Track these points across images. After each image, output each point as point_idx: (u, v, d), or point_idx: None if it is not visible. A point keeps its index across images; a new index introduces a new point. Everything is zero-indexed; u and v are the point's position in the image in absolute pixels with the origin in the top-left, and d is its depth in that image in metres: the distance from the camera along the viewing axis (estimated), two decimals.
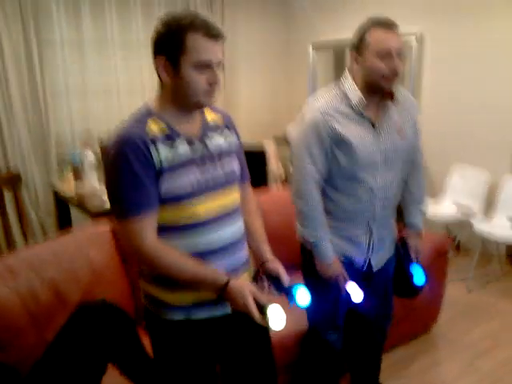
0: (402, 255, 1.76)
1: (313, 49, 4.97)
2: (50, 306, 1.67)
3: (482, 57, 3.50)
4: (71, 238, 2.02)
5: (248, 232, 1.35)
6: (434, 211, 3.39)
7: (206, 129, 1.24)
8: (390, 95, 1.53)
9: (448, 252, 2.55)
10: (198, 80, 1.09)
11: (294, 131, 1.64)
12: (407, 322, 2.28)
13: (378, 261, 1.70)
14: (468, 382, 2.23)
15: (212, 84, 1.11)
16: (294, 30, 5.23)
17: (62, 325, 1.38)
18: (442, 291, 2.57)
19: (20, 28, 3.63)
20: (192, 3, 4.50)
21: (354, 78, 1.53)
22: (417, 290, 1.72)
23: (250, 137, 2.26)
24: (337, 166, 1.54)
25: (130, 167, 1.07)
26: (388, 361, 2.12)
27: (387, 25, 1.43)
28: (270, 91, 5.30)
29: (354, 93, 1.51)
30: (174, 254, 1.15)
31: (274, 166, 4.53)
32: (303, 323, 1.80)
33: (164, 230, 1.16)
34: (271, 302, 1.12)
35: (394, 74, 1.45)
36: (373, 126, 1.54)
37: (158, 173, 1.11)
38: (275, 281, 1.26)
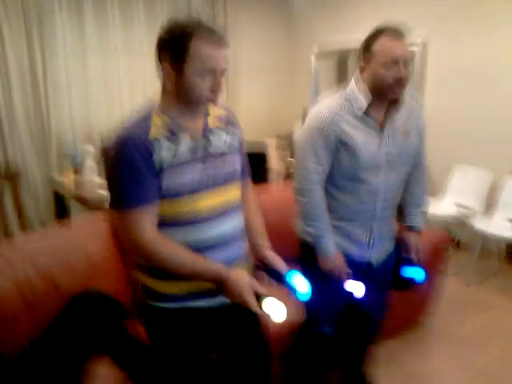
0: (397, 255, 1.77)
1: (315, 51, 4.98)
2: (45, 296, 1.66)
3: (483, 62, 3.53)
4: (68, 230, 2.02)
5: (248, 228, 1.36)
6: (434, 210, 3.40)
7: (211, 126, 1.24)
8: (395, 102, 1.55)
9: (446, 248, 2.56)
10: (201, 87, 1.10)
11: (299, 130, 1.66)
12: (401, 313, 2.28)
13: (378, 257, 1.72)
14: (454, 377, 2.24)
15: (215, 91, 1.12)
16: (297, 31, 5.26)
17: (55, 315, 1.38)
18: (438, 285, 2.58)
19: (22, 23, 3.65)
20: (194, 3, 4.51)
21: (361, 83, 1.54)
22: (408, 284, 1.73)
23: (250, 135, 2.27)
24: (339, 166, 1.56)
25: (130, 163, 1.08)
26: (380, 352, 2.13)
27: (395, 33, 1.44)
28: (271, 91, 5.32)
29: (362, 96, 1.52)
30: (172, 248, 1.15)
31: (275, 164, 4.54)
32: (299, 315, 1.80)
33: (163, 224, 1.17)
34: (269, 295, 1.12)
35: (399, 84, 1.46)
36: (377, 128, 1.55)
37: (159, 170, 1.11)
38: (274, 273, 1.27)
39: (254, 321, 1.38)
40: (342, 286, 1.61)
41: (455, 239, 3.71)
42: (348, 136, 1.51)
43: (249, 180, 1.42)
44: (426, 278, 1.69)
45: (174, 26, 1.10)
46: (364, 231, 1.65)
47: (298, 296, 1.22)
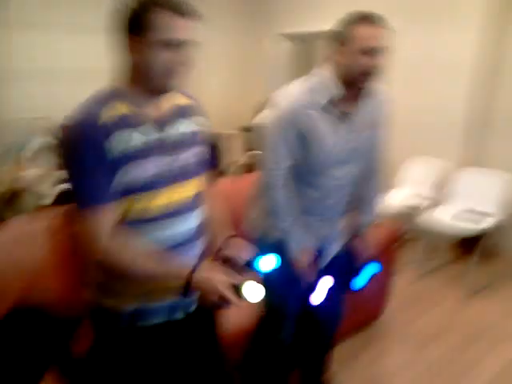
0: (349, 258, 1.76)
1: (277, 37, 4.87)
2: None
3: (435, 55, 3.58)
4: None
5: (210, 221, 1.30)
6: (388, 201, 3.42)
7: (173, 114, 1.15)
8: (363, 92, 1.51)
9: (397, 241, 2.56)
10: (164, 60, 1.01)
11: (266, 121, 1.61)
12: (355, 312, 2.26)
13: (330, 252, 1.71)
14: (414, 372, 2.23)
15: (178, 64, 1.03)
16: (258, 16, 5.11)
17: None
18: (390, 280, 2.58)
19: None
20: None
21: (331, 70, 1.48)
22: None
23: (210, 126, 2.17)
24: (304, 158, 1.52)
25: (81, 159, 1.00)
26: (336, 353, 2.09)
27: (374, 20, 1.40)
28: (231, 80, 5.17)
29: (330, 85, 1.47)
30: (131, 254, 1.06)
31: (235, 157, 4.44)
32: (254, 320, 1.76)
33: (121, 223, 1.07)
34: (245, 280, 1.09)
35: (373, 72, 1.42)
36: (344, 119, 1.51)
37: (112, 163, 1.02)
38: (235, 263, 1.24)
39: (210, 332, 1.33)
40: (303, 283, 1.58)
41: (407, 230, 3.74)
42: (314, 127, 1.47)
43: (212, 172, 1.34)
44: (380, 269, 1.70)
45: None
46: (326, 225, 1.64)
47: (267, 276, 1.19)
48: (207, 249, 1.29)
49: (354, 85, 1.46)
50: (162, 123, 1.11)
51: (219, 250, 1.27)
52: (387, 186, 3.66)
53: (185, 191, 1.16)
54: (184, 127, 1.17)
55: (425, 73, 3.69)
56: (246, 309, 1.22)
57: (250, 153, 4.51)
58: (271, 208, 1.58)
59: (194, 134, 1.20)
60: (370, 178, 1.73)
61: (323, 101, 1.47)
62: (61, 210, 1.83)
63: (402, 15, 3.64)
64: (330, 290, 1.64)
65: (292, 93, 1.50)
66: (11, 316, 1.36)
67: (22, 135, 3.68)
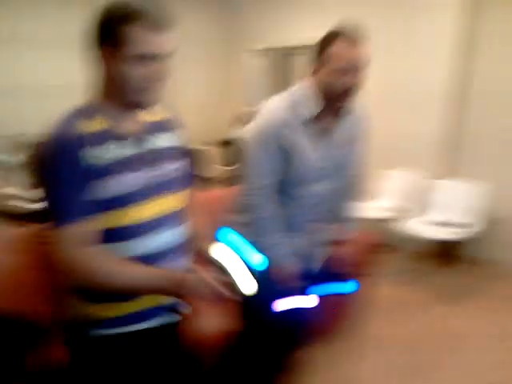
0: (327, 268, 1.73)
1: (253, 49, 4.90)
2: None
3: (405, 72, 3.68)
4: None
5: (192, 235, 1.27)
6: (366, 213, 3.43)
7: (150, 128, 1.13)
8: (343, 109, 1.52)
9: (376, 252, 2.59)
10: (138, 74, 0.99)
11: (246, 134, 1.64)
12: (335, 318, 2.26)
13: (311, 266, 1.68)
14: (389, 377, 2.25)
15: (153, 79, 1.01)
16: (234, 32, 5.15)
17: None
18: (371, 288, 2.59)
19: None
20: None
21: (310, 87, 1.48)
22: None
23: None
24: (285, 174, 1.51)
25: (58, 173, 0.98)
26: (316, 358, 2.12)
27: (350, 38, 1.40)
28: (205, 95, 5.15)
29: (311, 101, 1.47)
30: (113, 266, 1.04)
31: (212, 169, 4.42)
32: (231, 324, 1.71)
33: (100, 238, 1.04)
34: (236, 275, 1.10)
35: (352, 90, 1.42)
36: (324, 135, 1.51)
37: (89, 177, 0.99)
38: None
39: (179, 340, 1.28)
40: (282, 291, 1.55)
41: (386, 240, 3.78)
42: (295, 142, 1.47)
43: (193, 186, 1.31)
44: (358, 287, 1.71)
45: (110, 9, 1.00)
46: (306, 239, 1.62)
47: (256, 267, 1.20)
48: (191, 260, 1.26)
49: (334, 102, 1.47)
50: (140, 137, 1.10)
51: (203, 253, 1.25)
52: (365, 198, 3.71)
53: (166, 205, 1.14)
54: (162, 141, 1.16)
55: (400, 91, 3.80)
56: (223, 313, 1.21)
57: (230, 167, 4.50)
58: (256, 225, 1.56)
59: (172, 148, 1.18)
60: (348, 192, 1.73)
61: (304, 116, 1.47)
62: (34, 227, 1.79)
63: (374, 40, 3.73)
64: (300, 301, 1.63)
65: (273, 107, 1.50)
66: None
67: None
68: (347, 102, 1.47)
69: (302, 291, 1.59)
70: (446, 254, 3.56)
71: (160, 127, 1.16)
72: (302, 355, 1.97)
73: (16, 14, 3.76)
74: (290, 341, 1.88)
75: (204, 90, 5.16)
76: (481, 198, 3.36)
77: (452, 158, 3.66)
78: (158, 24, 0.99)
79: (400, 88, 3.78)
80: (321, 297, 1.76)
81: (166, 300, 1.14)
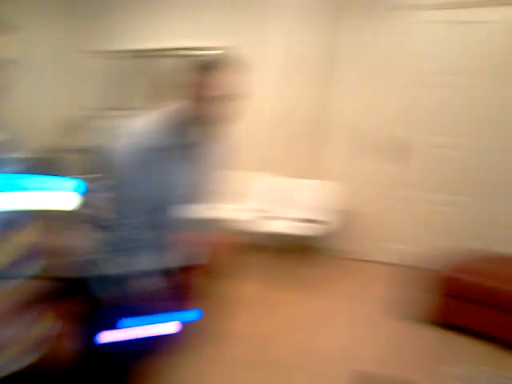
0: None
1: (89, 54, 4.66)
2: None
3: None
4: None
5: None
6: (228, 214, 3.48)
7: None
8: (208, 131, 1.53)
9: (236, 253, 2.61)
10: None
11: (112, 153, 1.55)
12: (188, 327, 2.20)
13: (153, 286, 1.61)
14: (256, 371, 2.28)
15: None
16: (74, 33, 4.79)
17: None
18: (233, 287, 2.52)
19: None
20: None
21: (182, 112, 1.49)
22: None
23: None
24: (147, 190, 1.50)
25: None
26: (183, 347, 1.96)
27: (225, 66, 1.42)
28: (42, 96, 4.64)
29: (178, 124, 1.48)
30: None
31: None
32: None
33: None
34: None
35: (217, 117, 1.46)
36: (190, 157, 1.53)
37: None
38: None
39: None
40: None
41: (251, 242, 3.92)
42: (161, 164, 1.47)
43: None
44: (200, 316, 1.62)
45: None
46: (155, 259, 1.57)
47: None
48: None
49: (200, 126, 1.50)
50: None
51: None
52: (225, 200, 3.78)
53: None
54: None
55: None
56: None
57: (87, 175, 4.14)
58: (123, 242, 1.50)
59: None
60: (200, 197, 1.72)
61: (171, 139, 1.48)
62: None
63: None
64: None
65: (139, 129, 1.49)
66: None
67: None
68: (211, 126, 1.51)
69: (117, 322, 1.45)
70: (306, 249, 3.81)
71: None
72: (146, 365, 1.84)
73: None
74: (126, 361, 1.71)
75: (40, 90, 4.64)
76: (336, 196, 3.70)
77: (312, 159, 3.96)
78: None
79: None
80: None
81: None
